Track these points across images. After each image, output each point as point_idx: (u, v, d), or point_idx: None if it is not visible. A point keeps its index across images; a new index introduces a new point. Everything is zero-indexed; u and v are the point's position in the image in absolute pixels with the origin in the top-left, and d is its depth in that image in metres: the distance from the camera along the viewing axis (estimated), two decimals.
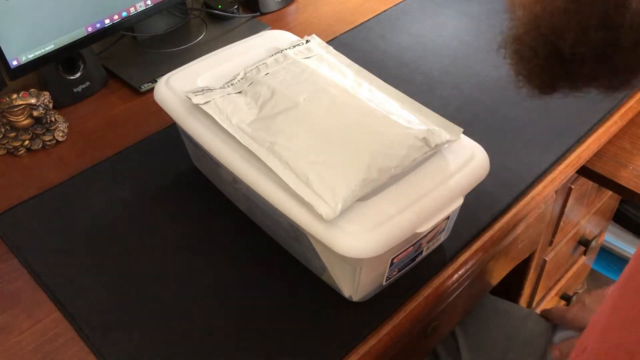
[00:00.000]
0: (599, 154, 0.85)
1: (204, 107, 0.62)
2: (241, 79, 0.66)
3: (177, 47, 1.00)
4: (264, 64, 0.67)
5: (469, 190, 0.58)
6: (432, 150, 0.58)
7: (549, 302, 1.25)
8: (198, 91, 0.63)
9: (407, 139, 0.57)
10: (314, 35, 0.72)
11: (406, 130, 0.58)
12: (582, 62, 0.41)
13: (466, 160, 0.59)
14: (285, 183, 0.55)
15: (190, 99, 0.62)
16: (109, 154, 0.80)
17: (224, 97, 0.63)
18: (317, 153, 0.56)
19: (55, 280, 0.65)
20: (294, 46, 0.70)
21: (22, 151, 0.82)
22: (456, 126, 0.60)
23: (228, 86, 0.65)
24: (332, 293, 0.63)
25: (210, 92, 0.63)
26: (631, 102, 0.86)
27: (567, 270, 1.27)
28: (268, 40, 0.74)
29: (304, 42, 0.71)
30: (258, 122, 0.60)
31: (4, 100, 0.79)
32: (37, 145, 0.82)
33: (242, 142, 0.58)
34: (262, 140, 0.58)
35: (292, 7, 1.12)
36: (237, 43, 0.74)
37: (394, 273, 0.62)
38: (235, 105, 0.62)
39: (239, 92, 0.65)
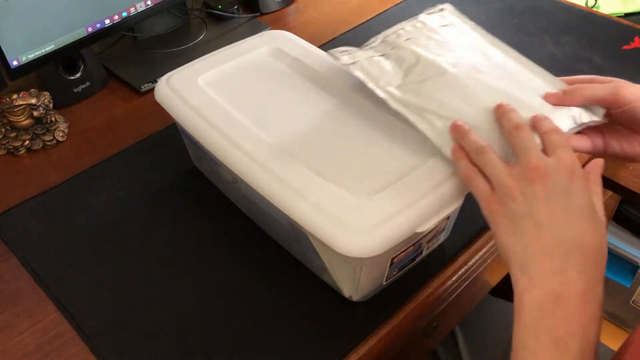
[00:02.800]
0: (599, 154, 0.85)
1: (351, 68, 0.61)
2: (380, 42, 0.65)
3: (177, 47, 1.00)
4: (402, 29, 0.66)
5: (469, 190, 0.58)
6: (577, 128, 0.57)
7: None
8: (343, 51, 0.63)
9: (559, 111, 0.57)
10: (447, 3, 0.71)
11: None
12: None
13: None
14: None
15: (337, 57, 0.62)
16: (109, 154, 0.80)
17: (370, 60, 0.62)
18: (473, 121, 0.55)
19: (55, 280, 0.65)
20: (429, 13, 0.69)
21: (23, 151, 0.82)
22: (598, 107, 0.59)
23: (369, 49, 0.64)
24: (332, 293, 0.63)
25: (355, 53, 0.62)
26: None
27: None
28: (268, 40, 0.74)
29: (438, 10, 0.70)
30: (405, 87, 0.59)
31: (4, 101, 0.79)
32: (38, 145, 0.82)
33: (392, 106, 0.58)
34: (411, 105, 0.57)
35: (292, 7, 1.12)
36: (238, 43, 0.74)
37: (394, 273, 0.62)
38: (381, 69, 0.61)
39: (382, 55, 0.63)
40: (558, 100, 0.59)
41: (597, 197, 0.50)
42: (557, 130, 0.51)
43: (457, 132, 0.54)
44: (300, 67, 0.70)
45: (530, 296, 0.45)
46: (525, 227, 0.47)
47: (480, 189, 0.51)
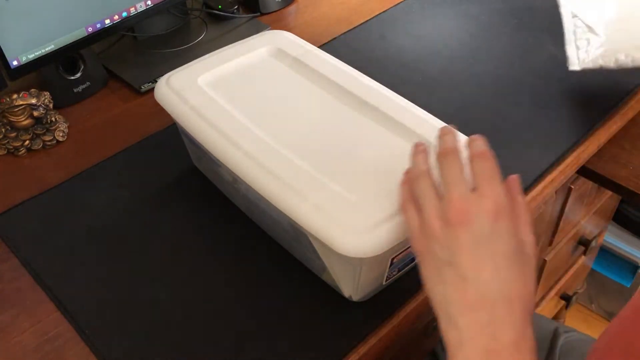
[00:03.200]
0: (598, 154, 0.85)
1: None
2: None
3: (177, 47, 1.00)
4: None
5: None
6: None
7: (549, 302, 1.25)
8: None
9: None
10: None
11: None
12: None
13: (466, 160, 0.59)
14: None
15: None
16: (109, 154, 0.80)
17: None
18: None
19: (55, 280, 0.65)
20: None
21: (23, 151, 0.82)
22: None
23: None
24: (332, 293, 0.63)
25: None
26: (631, 102, 0.86)
27: (566, 270, 1.27)
28: (268, 41, 0.74)
29: None
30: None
31: (5, 101, 0.79)
32: (38, 145, 0.82)
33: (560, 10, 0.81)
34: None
35: (292, 8, 1.12)
36: (238, 43, 0.74)
37: (394, 273, 0.62)
38: None
39: None
40: None
41: (525, 227, 0.47)
42: (484, 154, 0.48)
43: (413, 150, 0.52)
44: (300, 67, 0.70)
45: (463, 354, 0.44)
46: (449, 276, 0.45)
47: (410, 222, 0.49)
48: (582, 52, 0.83)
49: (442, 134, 0.51)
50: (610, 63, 0.79)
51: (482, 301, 0.44)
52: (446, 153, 0.48)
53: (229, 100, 0.65)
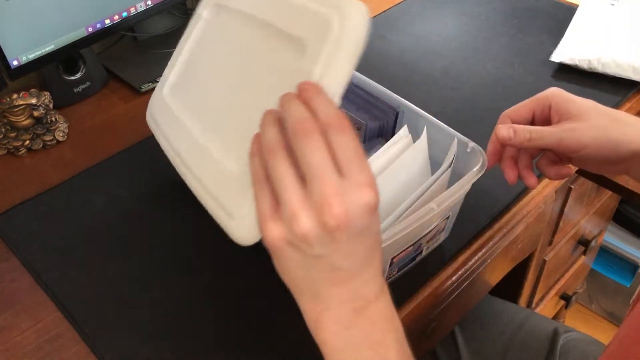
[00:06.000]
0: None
1: None
2: None
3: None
4: None
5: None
6: None
7: (549, 301, 1.25)
8: None
9: None
10: None
11: None
12: None
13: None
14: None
15: None
16: (109, 153, 0.80)
17: None
18: None
19: (56, 280, 0.65)
20: None
21: (23, 151, 0.82)
22: None
23: None
24: None
25: None
26: (631, 102, 0.86)
27: (566, 270, 1.27)
28: (207, 3, 0.69)
29: None
30: None
31: (5, 101, 0.79)
32: (38, 145, 0.82)
33: None
34: None
35: None
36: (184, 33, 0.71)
37: (394, 273, 0.62)
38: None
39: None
40: None
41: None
42: (342, 126, 0.38)
43: (263, 118, 0.42)
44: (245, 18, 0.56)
45: (331, 318, 0.42)
46: (317, 265, 0.41)
47: (260, 205, 0.41)
48: (568, 49, 0.91)
49: (285, 100, 0.40)
50: (584, 64, 0.89)
51: (349, 277, 0.41)
52: (305, 132, 0.38)
53: (183, 104, 0.60)
